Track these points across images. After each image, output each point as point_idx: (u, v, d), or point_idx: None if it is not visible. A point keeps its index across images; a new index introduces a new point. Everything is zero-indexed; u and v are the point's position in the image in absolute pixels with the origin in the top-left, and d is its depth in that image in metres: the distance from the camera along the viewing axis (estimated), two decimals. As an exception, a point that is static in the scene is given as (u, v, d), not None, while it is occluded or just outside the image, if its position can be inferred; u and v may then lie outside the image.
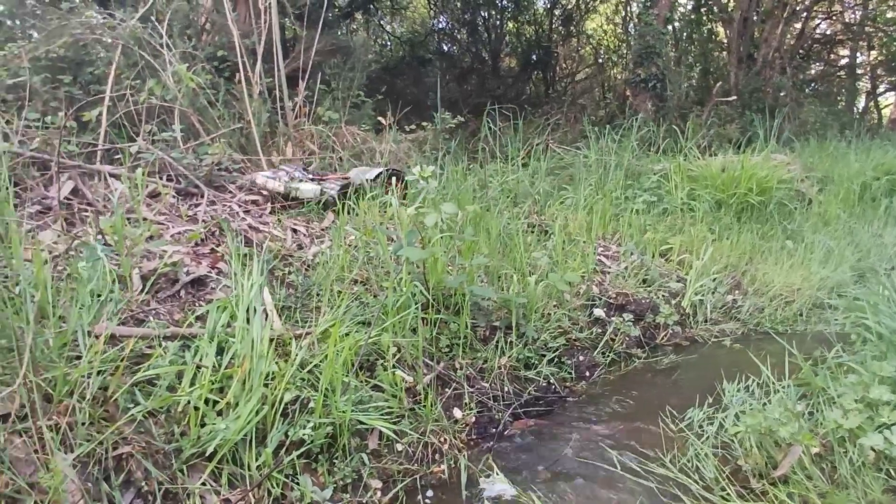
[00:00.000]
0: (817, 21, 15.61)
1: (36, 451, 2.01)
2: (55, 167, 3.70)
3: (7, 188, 2.75)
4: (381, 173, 4.62)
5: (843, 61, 16.95)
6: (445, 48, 16.32)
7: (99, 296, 2.71)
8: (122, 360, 2.33)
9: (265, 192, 4.52)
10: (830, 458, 2.50)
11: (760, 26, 12.66)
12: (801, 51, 14.92)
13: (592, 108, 13.02)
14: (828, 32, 16.23)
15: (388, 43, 16.13)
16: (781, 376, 3.02)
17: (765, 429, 2.49)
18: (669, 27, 11.50)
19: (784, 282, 4.90)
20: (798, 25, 14.42)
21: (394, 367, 2.78)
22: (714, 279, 4.73)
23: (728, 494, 2.48)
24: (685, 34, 13.27)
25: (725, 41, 13.30)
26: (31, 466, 2.00)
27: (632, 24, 14.37)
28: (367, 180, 4.51)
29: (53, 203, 3.63)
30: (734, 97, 10.56)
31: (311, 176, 4.65)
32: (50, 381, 2.17)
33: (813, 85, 16.24)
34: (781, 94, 11.98)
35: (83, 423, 2.15)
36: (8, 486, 1.92)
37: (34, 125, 4.15)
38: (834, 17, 15.77)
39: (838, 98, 16.27)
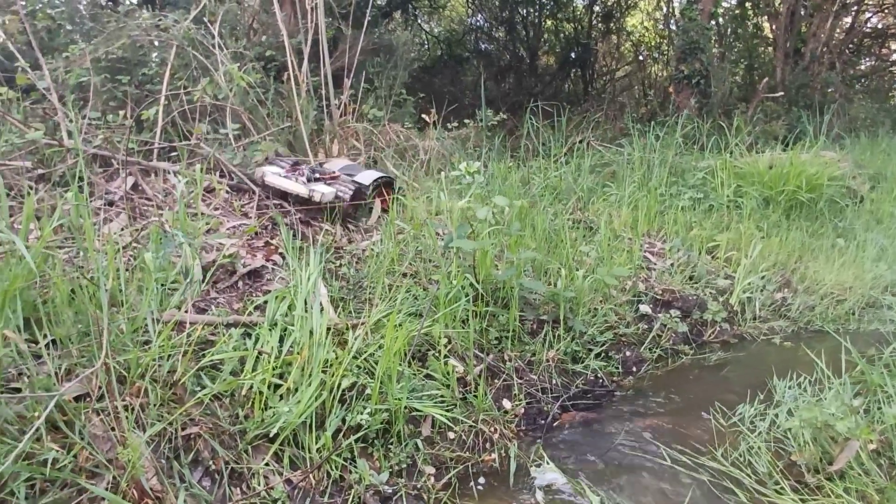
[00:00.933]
0: (868, 14, 15.11)
1: (112, 429, 2.13)
2: (120, 162, 3.86)
3: (78, 184, 2.89)
4: (377, 179, 4.32)
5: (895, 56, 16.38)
6: (483, 47, 16.33)
7: (163, 285, 2.84)
8: (189, 346, 2.44)
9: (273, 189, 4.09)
10: (888, 454, 2.47)
11: (808, 20, 12.33)
12: (850, 45, 14.48)
13: (633, 105, 12.88)
14: (879, 26, 15.70)
15: (426, 42, 16.21)
16: (835, 374, 2.97)
17: (821, 423, 2.46)
18: (713, 22, 11.29)
19: (835, 280, 4.79)
20: (848, 20, 13.99)
21: (445, 356, 2.83)
22: (763, 277, 4.66)
23: (782, 488, 2.46)
24: (729, 29, 13.01)
25: (771, 37, 12.99)
26: (108, 443, 2.11)
27: (674, 21, 14.14)
28: (364, 186, 4.23)
29: (116, 198, 3.78)
30: (781, 93, 10.31)
31: (316, 175, 4.26)
32: (123, 363, 2.28)
33: (863, 81, 15.73)
34: (830, 89, 11.65)
35: (154, 405, 2.25)
36: (88, 460, 2.04)
37: (95, 123, 4.33)
38: (886, 11, 15.25)
39: (890, 94, 15.73)
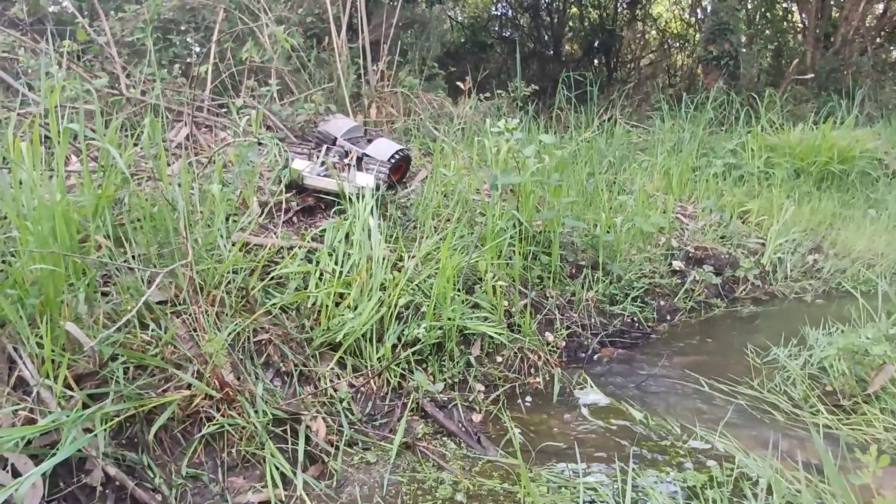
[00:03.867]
0: (900, 1, 14.92)
1: (194, 330, 2.30)
2: (186, 114, 4.05)
3: (155, 125, 3.06)
4: (396, 154, 3.72)
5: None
6: (507, 33, 16.39)
7: (227, 217, 3.01)
8: (258, 262, 2.61)
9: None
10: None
11: (839, 5, 12.24)
12: (883, 32, 14.31)
13: (659, 88, 12.87)
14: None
15: (451, 29, 16.30)
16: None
17: (857, 348, 2.56)
18: (742, 4, 11.26)
19: (866, 246, 4.85)
20: (880, 6, 13.85)
21: (493, 286, 2.97)
22: (794, 240, 4.73)
23: (818, 411, 2.57)
24: (758, 14, 12.95)
25: (800, 23, 12.92)
26: (190, 342, 2.29)
27: (700, 10, 14.11)
28: (381, 162, 3.62)
29: (173, 146, 3.97)
30: (811, 75, 10.28)
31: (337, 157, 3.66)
32: (200, 274, 2.45)
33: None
34: (861, 75, 11.56)
35: (228, 313, 2.42)
36: (174, 354, 2.21)
37: (151, 77, 4.52)
38: (919, -2, 15.05)
39: (921, 83, 15.53)
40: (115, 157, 2.23)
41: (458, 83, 6.21)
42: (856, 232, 5.07)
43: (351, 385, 2.42)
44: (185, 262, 2.23)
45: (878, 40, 13.34)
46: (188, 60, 5.28)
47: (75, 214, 2.30)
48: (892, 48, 15.34)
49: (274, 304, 2.51)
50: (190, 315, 2.32)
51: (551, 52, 15.75)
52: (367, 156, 3.67)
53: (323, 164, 3.54)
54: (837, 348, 2.66)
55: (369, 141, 3.96)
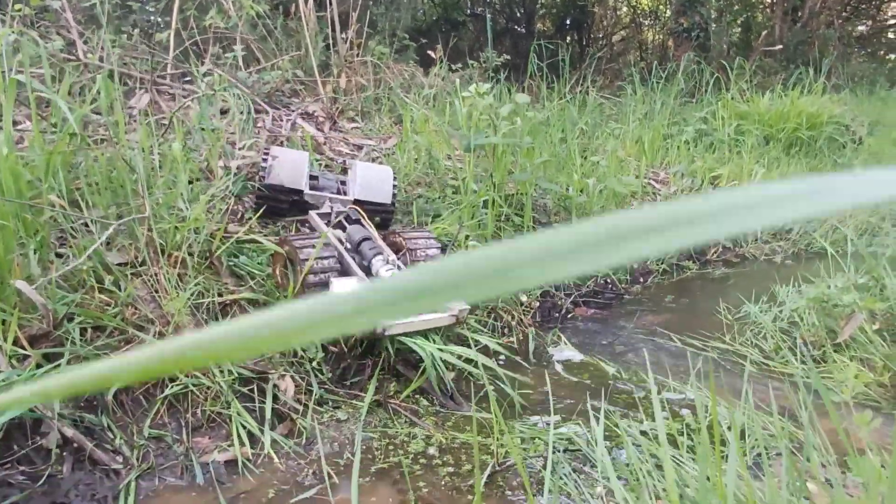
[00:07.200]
0: (866, -24, 15.11)
1: (156, 292, 2.22)
2: (147, 81, 3.91)
3: (109, 85, 2.94)
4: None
5: (892, 21, 16.40)
6: (479, 10, 16.23)
7: (189, 182, 2.91)
8: (221, 225, 2.53)
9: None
10: (890, 330, 2.60)
11: (807, -22, 12.32)
12: (848, 6, 14.48)
13: (630, 63, 12.87)
14: (876, -12, 15.70)
15: (422, 4, 16.09)
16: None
17: (827, 298, 2.58)
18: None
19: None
20: (846, -21, 13.99)
21: (467, 246, 2.93)
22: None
23: (788, 361, 2.59)
24: (728, -13, 12.99)
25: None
26: (152, 303, 2.21)
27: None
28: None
29: (134, 112, 3.83)
30: (779, 47, 10.36)
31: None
32: (161, 235, 2.37)
33: (861, 47, 15.78)
34: (829, 47, 11.69)
35: (192, 275, 2.35)
36: (134, 315, 2.13)
37: (111, 44, 4.35)
38: (883, -28, 15.25)
39: (887, 57, 15.79)
40: (65, 111, 2.12)
41: (430, 52, 6.11)
42: (824, 196, 5.13)
43: (323, 346, 2.37)
44: (143, 216, 2.14)
45: (843, 14, 13.51)
46: (149, 31, 5.10)
47: (27, 174, 2.20)
48: (858, 23, 15.57)
49: (238, 266, 2.44)
50: (151, 276, 2.24)
51: (524, 30, 15.66)
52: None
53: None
54: (807, 299, 2.68)
55: (342, 183, 3.04)
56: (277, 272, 2.48)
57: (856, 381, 2.33)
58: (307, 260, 2.28)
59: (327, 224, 2.70)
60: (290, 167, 2.82)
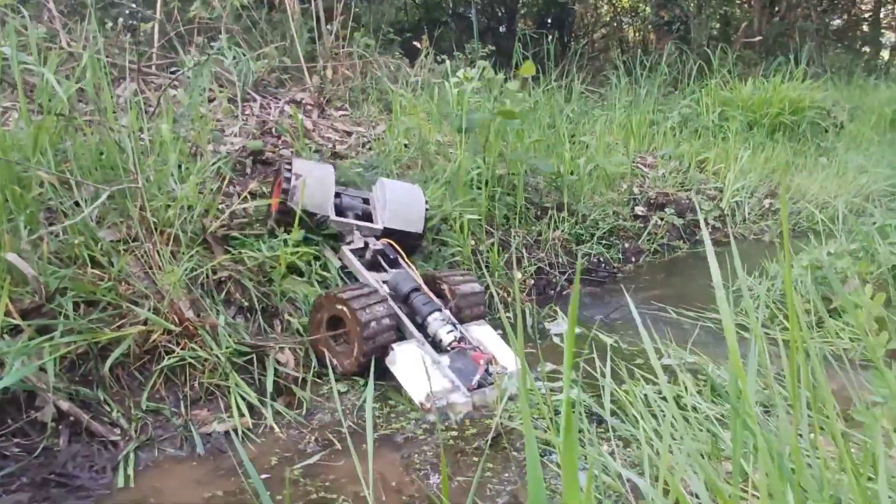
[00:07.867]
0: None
1: (150, 268, 2.18)
2: (133, 70, 3.86)
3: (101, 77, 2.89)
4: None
5: (866, 15, 16.69)
6: (461, 9, 16.29)
7: (179, 166, 2.88)
8: (213, 205, 2.49)
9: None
10: (886, 291, 2.62)
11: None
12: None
13: (613, 59, 12.97)
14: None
15: (405, 7, 16.10)
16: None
17: (822, 264, 2.60)
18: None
19: (820, 189, 4.98)
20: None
21: (461, 225, 2.92)
22: (750, 186, 4.82)
23: (785, 328, 2.61)
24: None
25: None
26: (146, 280, 2.17)
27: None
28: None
29: (121, 101, 3.78)
30: (759, 38, 10.50)
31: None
32: (154, 213, 2.33)
33: (837, 39, 16.04)
34: (807, 39, 11.86)
35: (184, 252, 2.31)
36: (129, 290, 2.09)
37: (95, 34, 4.30)
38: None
39: (863, 50, 16.06)
40: (53, 83, 2.08)
41: (416, 43, 6.10)
42: (808, 178, 5.20)
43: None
44: (135, 185, 2.11)
45: (819, 7, 13.72)
46: (132, 23, 5.04)
47: (15, 153, 2.16)
48: (834, 17, 15.82)
49: (232, 241, 2.41)
50: (144, 252, 2.20)
51: (505, 28, 15.73)
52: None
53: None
54: (802, 266, 2.70)
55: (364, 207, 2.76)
56: (317, 324, 2.20)
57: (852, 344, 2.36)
58: (371, 323, 2.06)
59: (360, 258, 2.47)
60: (316, 187, 2.51)
